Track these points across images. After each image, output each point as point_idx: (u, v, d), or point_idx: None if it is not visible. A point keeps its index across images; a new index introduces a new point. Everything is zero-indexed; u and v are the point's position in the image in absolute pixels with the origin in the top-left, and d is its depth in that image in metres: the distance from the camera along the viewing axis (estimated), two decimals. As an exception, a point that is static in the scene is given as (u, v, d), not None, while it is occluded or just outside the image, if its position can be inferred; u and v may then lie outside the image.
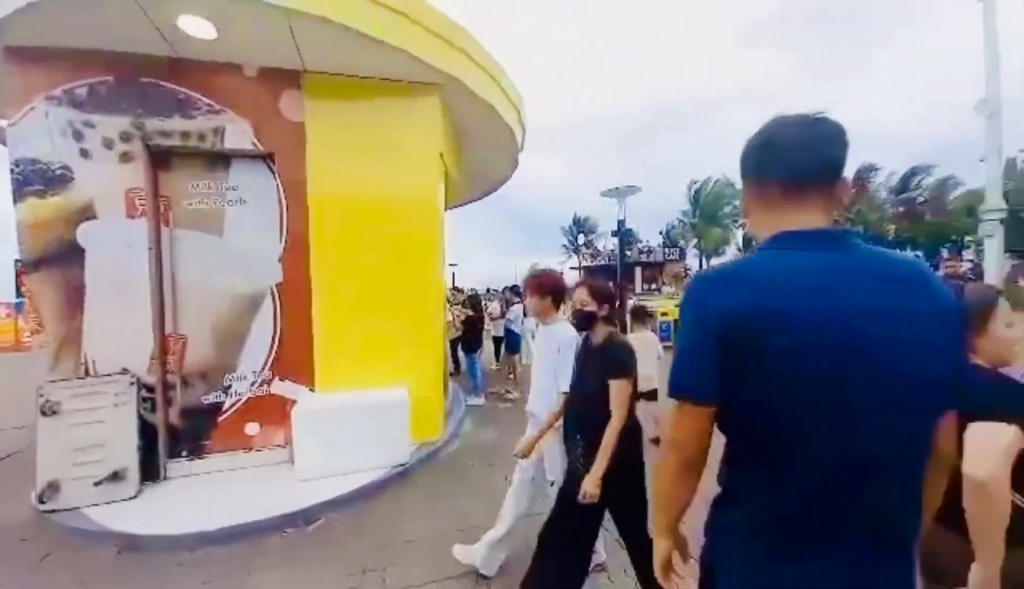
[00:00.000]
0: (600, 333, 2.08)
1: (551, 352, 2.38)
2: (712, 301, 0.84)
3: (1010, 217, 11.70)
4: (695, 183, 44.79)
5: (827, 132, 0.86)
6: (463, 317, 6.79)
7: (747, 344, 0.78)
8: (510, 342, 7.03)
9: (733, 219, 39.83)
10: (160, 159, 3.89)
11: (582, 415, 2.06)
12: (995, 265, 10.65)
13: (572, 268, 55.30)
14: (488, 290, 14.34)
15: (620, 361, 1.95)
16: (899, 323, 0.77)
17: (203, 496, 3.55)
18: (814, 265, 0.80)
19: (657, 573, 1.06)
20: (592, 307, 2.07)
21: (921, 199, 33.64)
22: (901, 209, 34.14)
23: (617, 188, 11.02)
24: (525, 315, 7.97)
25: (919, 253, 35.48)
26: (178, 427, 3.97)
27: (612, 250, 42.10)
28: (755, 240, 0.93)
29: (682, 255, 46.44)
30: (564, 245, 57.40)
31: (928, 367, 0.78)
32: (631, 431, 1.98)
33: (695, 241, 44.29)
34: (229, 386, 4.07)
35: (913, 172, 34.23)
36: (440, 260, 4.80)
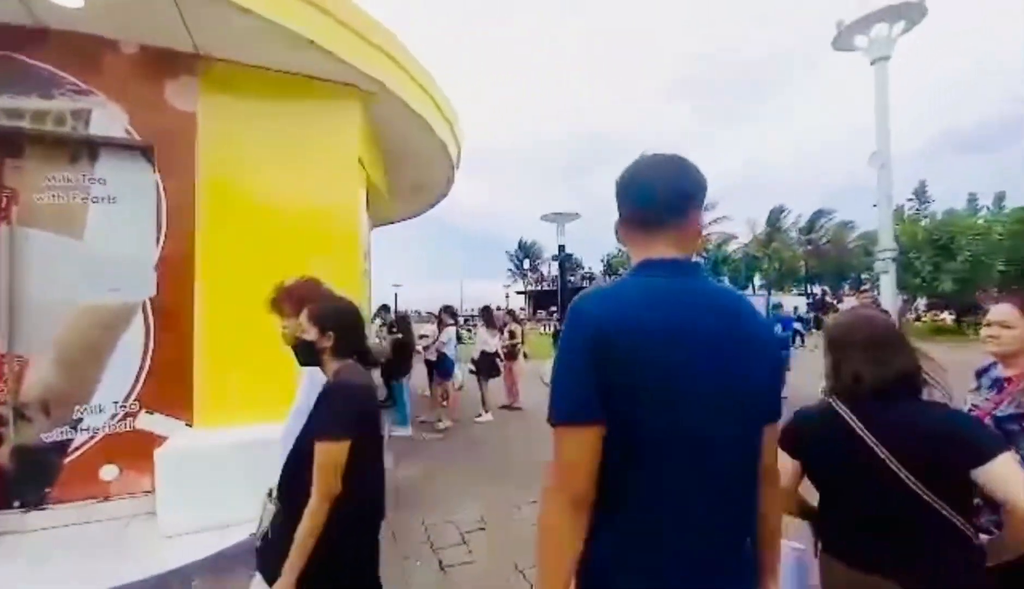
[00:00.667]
0: (328, 370, 1.53)
1: (302, 395, 1.78)
2: (586, 319, 0.84)
3: (901, 257, 13.28)
4: None
5: (675, 172, 0.92)
6: (390, 340, 6.31)
7: (615, 357, 0.80)
8: (442, 367, 6.62)
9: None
10: (6, 144, 3.21)
11: (286, 488, 1.47)
12: (891, 299, 11.99)
13: (519, 292, 55.88)
14: (418, 312, 13.71)
15: (331, 413, 1.38)
16: (738, 346, 0.86)
17: (39, 558, 2.83)
18: (674, 289, 0.87)
19: None
20: (311, 335, 1.49)
21: (825, 240, 37.69)
22: (809, 248, 38.00)
23: (557, 214, 11.17)
24: (459, 339, 7.61)
25: (826, 287, 39.53)
26: (9, 471, 3.17)
27: (556, 275, 42.96)
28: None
29: (622, 282, 48.30)
30: (510, 269, 57.96)
31: (758, 385, 0.90)
32: (347, 518, 1.36)
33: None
34: (80, 420, 3.34)
35: (818, 215, 38.44)
36: (359, 273, 4.37)
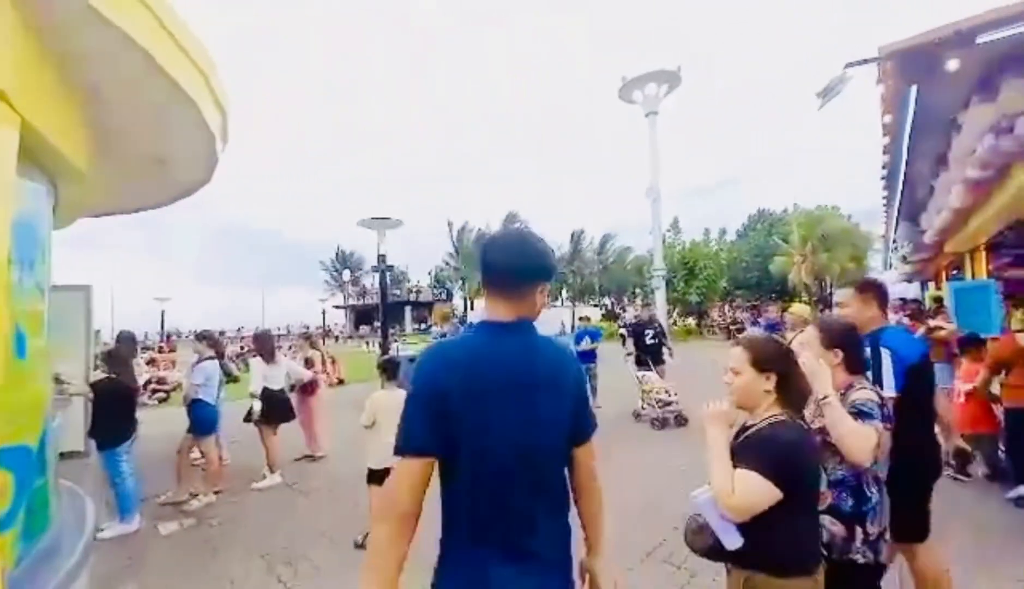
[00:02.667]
0: None
1: None
2: (424, 375, 1.11)
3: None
4: (451, 224, 46.80)
5: (518, 252, 1.17)
6: (87, 385, 4.11)
7: (445, 403, 1.06)
8: (200, 418, 4.69)
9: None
10: None
11: None
12: (663, 310, 14.66)
13: (337, 306, 50.40)
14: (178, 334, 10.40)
15: None
16: (530, 389, 1.11)
17: None
18: (492, 347, 1.14)
19: None
20: None
21: (612, 260, 45.37)
22: (601, 267, 45.21)
23: (376, 219, 9.94)
24: (229, 376, 5.65)
25: (614, 299, 47.43)
26: None
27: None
28: None
29: (449, 296, 48.54)
30: (327, 281, 52.09)
31: (549, 416, 1.13)
32: None
33: (460, 282, 46.66)
34: None
35: (606, 239, 46.06)
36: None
